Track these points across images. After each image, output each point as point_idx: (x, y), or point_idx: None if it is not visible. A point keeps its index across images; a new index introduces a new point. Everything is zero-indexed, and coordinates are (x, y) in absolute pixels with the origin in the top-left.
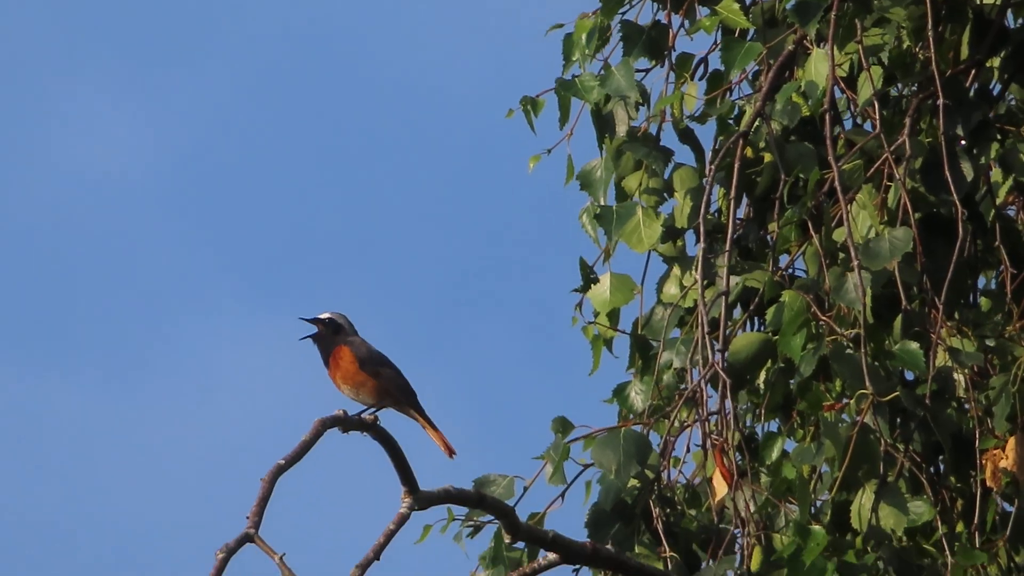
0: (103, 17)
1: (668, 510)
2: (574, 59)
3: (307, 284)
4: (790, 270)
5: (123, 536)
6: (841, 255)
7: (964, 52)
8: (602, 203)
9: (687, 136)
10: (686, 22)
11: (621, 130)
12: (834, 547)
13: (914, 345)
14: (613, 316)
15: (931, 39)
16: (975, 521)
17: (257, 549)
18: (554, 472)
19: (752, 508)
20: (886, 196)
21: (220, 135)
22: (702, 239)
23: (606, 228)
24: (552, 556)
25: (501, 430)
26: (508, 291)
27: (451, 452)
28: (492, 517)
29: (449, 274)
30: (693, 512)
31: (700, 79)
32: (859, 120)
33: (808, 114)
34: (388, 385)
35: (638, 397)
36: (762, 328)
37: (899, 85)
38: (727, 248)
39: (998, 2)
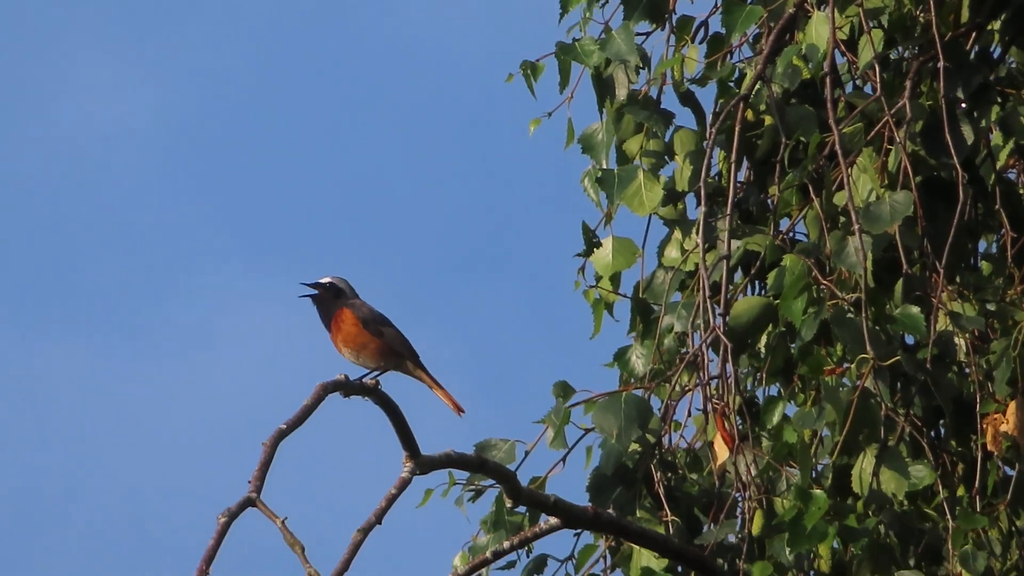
0: None
1: (669, 474)
2: (571, 8)
3: (308, 247)
4: (791, 234)
5: (124, 500)
6: (842, 219)
7: (964, 15)
8: (603, 166)
9: (687, 99)
10: None
11: (621, 94)
12: (835, 511)
13: (915, 309)
14: (615, 280)
15: (931, 2)
16: (976, 485)
17: (259, 513)
18: (555, 436)
19: (753, 472)
20: (886, 159)
21: (221, 95)
22: (703, 202)
23: (608, 191)
24: (553, 520)
25: (502, 394)
26: (508, 255)
27: (459, 410)
28: (493, 481)
29: (449, 238)
30: (694, 476)
31: (701, 42)
32: (860, 83)
33: (808, 77)
34: (392, 343)
35: (639, 361)
36: (763, 292)
37: (899, 48)
38: (728, 212)
39: None
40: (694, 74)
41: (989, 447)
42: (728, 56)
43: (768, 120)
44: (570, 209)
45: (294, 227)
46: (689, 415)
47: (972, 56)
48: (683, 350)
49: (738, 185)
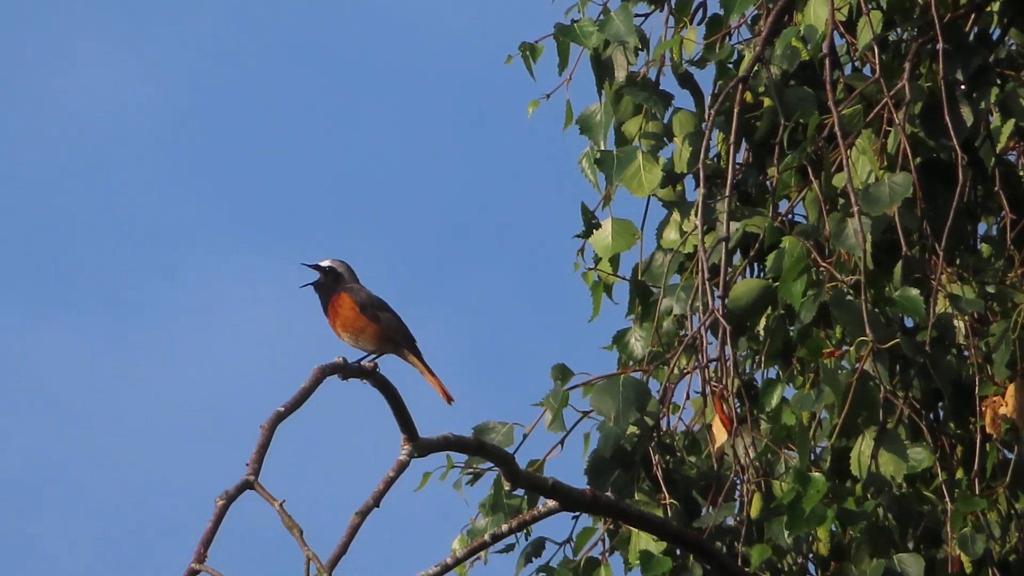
0: None
1: (668, 457)
2: None
3: (307, 229)
4: (790, 216)
5: (122, 482)
6: (841, 201)
7: None
8: (602, 147)
9: (686, 81)
10: None
11: (620, 75)
12: (834, 494)
13: (914, 291)
14: (614, 262)
15: None
16: (975, 468)
17: (257, 496)
18: (553, 419)
19: (752, 455)
20: (886, 141)
21: (220, 75)
22: (702, 184)
23: (607, 172)
24: (552, 503)
25: (500, 377)
26: (507, 237)
27: (449, 399)
28: (491, 464)
29: (448, 220)
30: (693, 459)
31: (699, 24)
32: (858, 65)
33: (807, 59)
34: (388, 329)
35: (638, 344)
36: (762, 274)
37: (899, 29)
38: (727, 193)
39: None
40: (693, 56)
41: (988, 430)
42: (727, 37)
43: (767, 102)
44: (569, 191)
45: (292, 209)
46: (688, 398)
47: (971, 37)
48: (682, 332)
49: (737, 167)
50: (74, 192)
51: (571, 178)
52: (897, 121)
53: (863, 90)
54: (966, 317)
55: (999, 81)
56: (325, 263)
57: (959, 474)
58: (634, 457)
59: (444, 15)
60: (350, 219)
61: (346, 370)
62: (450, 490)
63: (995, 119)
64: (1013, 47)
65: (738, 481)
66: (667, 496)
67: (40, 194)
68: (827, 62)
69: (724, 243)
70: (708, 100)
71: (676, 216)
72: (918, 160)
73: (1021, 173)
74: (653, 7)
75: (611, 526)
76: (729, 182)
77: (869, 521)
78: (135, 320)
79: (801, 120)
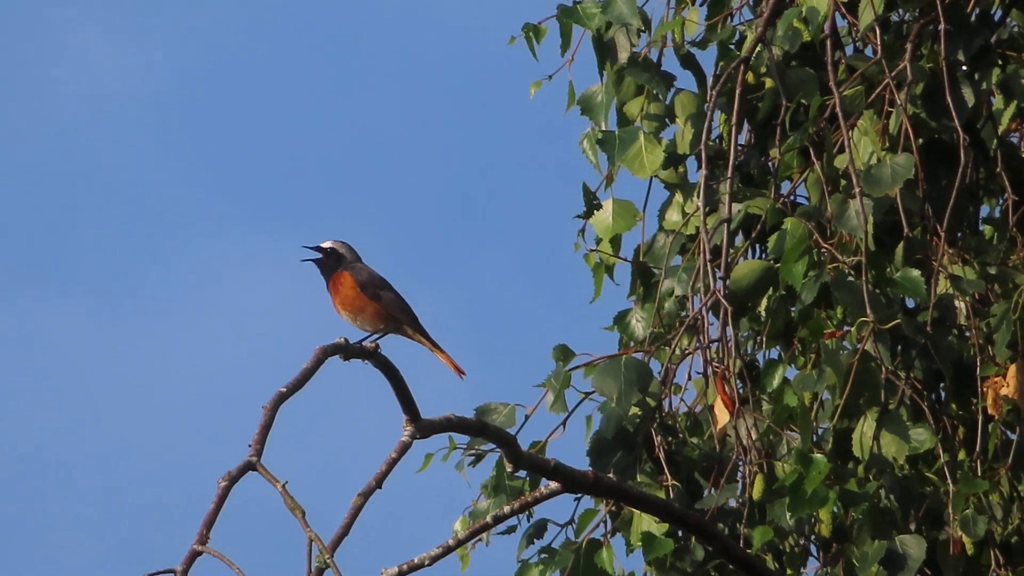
0: None
1: (670, 438)
2: None
3: (308, 209)
4: (792, 197)
5: (124, 464)
6: (843, 182)
7: None
8: (603, 128)
9: (688, 62)
10: None
11: (622, 56)
12: (836, 475)
13: (915, 272)
14: (615, 242)
15: None
16: (976, 449)
17: (259, 477)
18: (555, 400)
19: (754, 436)
20: (887, 122)
21: (219, 57)
22: (704, 165)
23: (608, 153)
24: (554, 485)
25: (502, 358)
26: (508, 218)
27: (460, 372)
28: (494, 446)
29: (449, 201)
30: (695, 440)
31: (701, 4)
32: (860, 45)
33: (809, 40)
34: (390, 308)
35: (639, 325)
36: (764, 255)
37: (900, 10)
38: (729, 175)
39: None
40: (695, 37)
41: (990, 411)
42: (729, 18)
43: (769, 83)
44: (570, 172)
45: (294, 189)
46: (689, 379)
47: (973, 18)
48: (683, 314)
49: (739, 148)
50: (72, 175)
51: (573, 159)
52: (899, 102)
53: (865, 71)
54: (967, 298)
55: (1000, 62)
56: (327, 244)
57: (961, 455)
58: (636, 438)
59: None
60: (351, 200)
61: (348, 351)
62: (452, 471)
63: (997, 101)
64: (1015, 28)
65: (740, 462)
66: (669, 477)
67: (38, 177)
68: (829, 43)
69: (726, 224)
70: (710, 81)
71: (678, 197)
72: (920, 141)
73: (1023, 155)
74: None
75: (613, 508)
76: (731, 163)
77: (871, 503)
78: (135, 302)
79: (803, 101)
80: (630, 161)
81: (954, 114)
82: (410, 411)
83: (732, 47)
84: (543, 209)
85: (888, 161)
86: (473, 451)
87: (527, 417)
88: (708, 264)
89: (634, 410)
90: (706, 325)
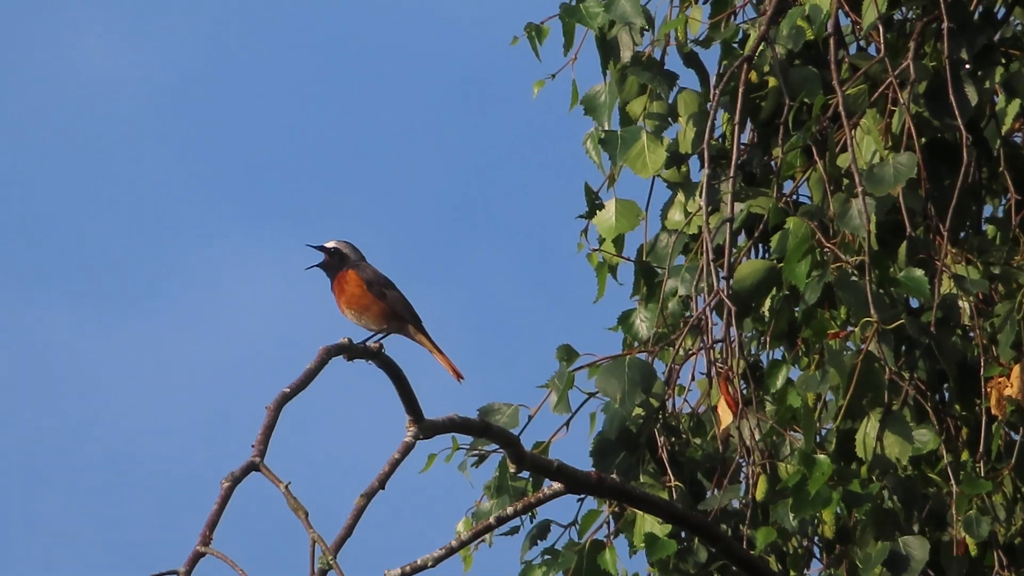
0: None
1: (673, 439)
2: None
3: (308, 209)
4: (795, 196)
5: (127, 465)
6: (845, 181)
7: None
8: (606, 128)
9: (691, 60)
10: None
11: (625, 55)
12: (839, 476)
13: (919, 272)
14: (618, 242)
15: None
16: (980, 450)
17: (263, 478)
18: (559, 401)
19: (757, 436)
20: (890, 121)
21: (220, 56)
22: (706, 164)
23: (611, 152)
24: (557, 485)
25: (505, 358)
26: (510, 218)
27: (459, 376)
28: (497, 446)
29: (452, 200)
30: (698, 441)
31: (704, 3)
32: (863, 44)
33: (812, 38)
34: (395, 306)
35: (643, 325)
36: (767, 255)
37: (903, 9)
38: (731, 174)
39: None
40: (698, 35)
41: (993, 411)
42: (732, 17)
43: (772, 82)
44: (572, 171)
45: (295, 189)
46: (693, 379)
47: (976, 17)
48: (687, 314)
49: (742, 147)
50: (74, 176)
51: (577, 159)
52: (902, 101)
53: (868, 70)
54: (971, 298)
55: (1004, 61)
56: (331, 244)
57: (964, 456)
58: (639, 439)
59: None
60: (352, 200)
61: (351, 351)
62: (455, 472)
63: (1000, 100)
64: (1018, 27)
65: (743, 463)
66: (672, 478)
67: (39, 178)
68: (832, 42)
69: (729, 224)
70: (713, 80)
71: (680, 197)
72: (923, 140)
73: None
74: None
75: (616, 508)
76: (734, 162)
77: (874, 503)
78: (137, 303)
79: (806, 100)
80: (632, 160)
81: (957, 113)
82: (413, 411)
83: (735, 46)
84: (545, 209)
85: (891, 160)
86: (476, 452)
87: (530, 418)
88: (711, 264)
89: (638, 411)
90: (710, 325)
